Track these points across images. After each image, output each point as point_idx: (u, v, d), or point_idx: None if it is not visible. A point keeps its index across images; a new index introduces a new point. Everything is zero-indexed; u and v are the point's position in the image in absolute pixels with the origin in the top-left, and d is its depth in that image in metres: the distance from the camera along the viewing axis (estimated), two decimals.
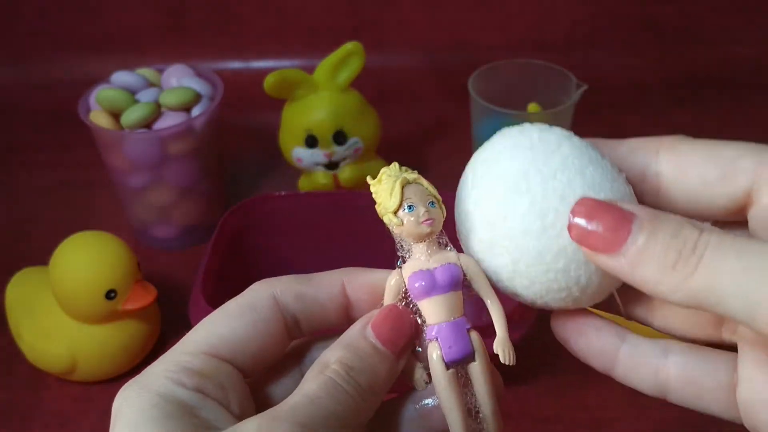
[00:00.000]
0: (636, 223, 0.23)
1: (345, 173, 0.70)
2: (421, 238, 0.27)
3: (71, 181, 0.80)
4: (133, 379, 0.25)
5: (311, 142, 0.68)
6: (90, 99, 0.66)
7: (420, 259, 0.27)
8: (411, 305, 0.27)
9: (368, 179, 0.28)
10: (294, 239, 0.63)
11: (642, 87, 0.91)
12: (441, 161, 0.79)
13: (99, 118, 0.63)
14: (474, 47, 0.94)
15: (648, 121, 0.85)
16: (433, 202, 0.27)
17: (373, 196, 0.27)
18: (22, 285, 0.59)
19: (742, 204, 0.25)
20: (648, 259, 0.22)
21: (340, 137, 0.68)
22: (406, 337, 0.27)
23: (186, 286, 0.63)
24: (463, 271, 0.27)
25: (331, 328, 0.28)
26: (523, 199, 0.25)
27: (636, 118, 0.85)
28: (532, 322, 0.51)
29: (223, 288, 0.56)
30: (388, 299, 0.27)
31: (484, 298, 0.27)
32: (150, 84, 0.68)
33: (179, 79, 0.68)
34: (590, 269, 0.25)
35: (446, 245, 0.27)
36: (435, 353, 0.26)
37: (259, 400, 0.28)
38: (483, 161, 0.27)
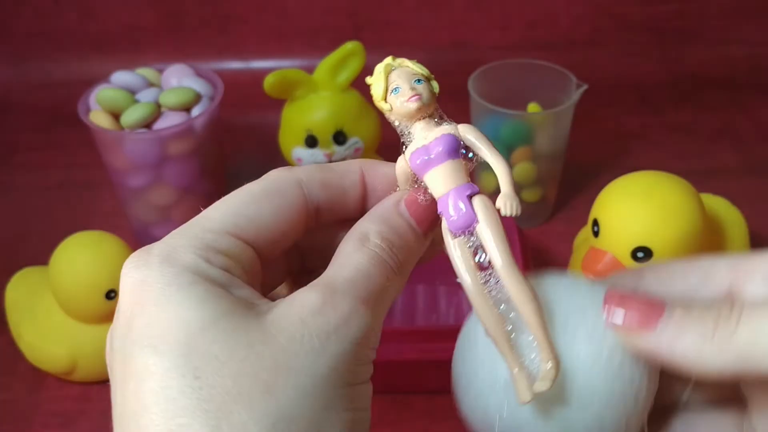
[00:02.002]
0: (668, 302, 0.23)
1: None
2: (413, 117, 0.27)
3: (71, 181, 0.80)
4: (146, 248, 0.23)
5: (311, 142, 0.68)
6: (90, 99, 0.66)
7: (419, 139, 0.27)
8: (424, 188, 0.27)
9: (366, 79, 0.28)
10: None
11: (642, 87, 0.91)
12: None
13: (99, 118, 0.63)
14: (474, 47, 0.94)
15: (648, 121, 0.85)
16: (419, 80, 0.27)
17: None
18: (22, 285, 0.59)
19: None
20: (686, 329, 0.22)
21: (340, 137, 0.68)
22: (432, 217, 0.27)
23: None
24: (460, 138, 0.26)
25: (347, 218, 0.28)
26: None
27: (636, 118, 0.85)
28: None
29: None
30: (401, 185, 0.28)
31: (487, 159, 0.26)
32: (150, 84, 0.68)
33: (179, 79, 0.68)
34: None
35: (443, 120, 0.27)
36: (443, 226, 0.26)
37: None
38: None
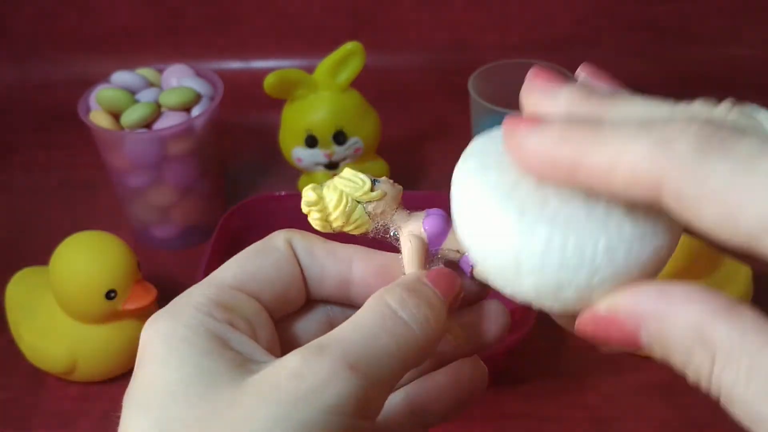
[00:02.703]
0: (643, 338, 0.21)
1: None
2: (398, 200, 0.27)
3: (71, 181, 0.80)
4: (161, 310, 0.24)
5: (311, 142, 0.68)
6: (90, 99, 0.66)
7: (410, 221, 0.27)
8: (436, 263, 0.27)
9: (306, 206, 0.27)
10: None
11: (642, 87, 0.91)
12: (441, 161, 0.79)
13: (99, 118, 0.63)
14: (474, 47, 0.94)
15: None
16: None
17: (332, 204, 0.26)
18: (22, 285, 0.59)
19: None
20: (672, 366, 0.21)
21: (340, 137, 0.68)
22: (456, 288, 0.26)
23: (186, 286, 0.63)
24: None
25: (328, 300, 0.28)
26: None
27: None
28: (532, 323, 0.51)
29: None
30: (414, 264, 0.26)
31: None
32: (150, 84, 0.68)
33: (179, 79, 0.68)
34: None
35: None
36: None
37: (284, 344, 0.27)
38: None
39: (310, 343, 0.22)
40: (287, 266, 0.26)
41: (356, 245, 0.28)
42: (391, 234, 0.27)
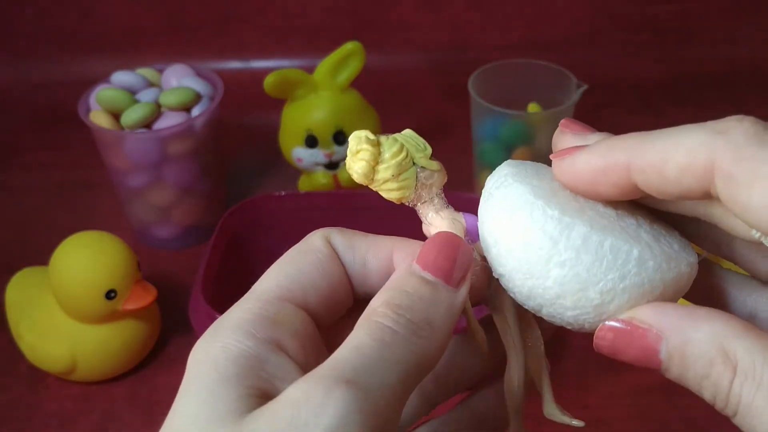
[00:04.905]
0: (662, 352, 0.21)
1: (345, 173, 0.70)
2: (442, 186, 0.27)
3: (71, 181, 0.80)
4: (209, 328, 0.24)
5: (311, 142, 0.68)
6: (90, 99, 0.66)
7: (448, 209, 0.26)
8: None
9: (361, 142, 0.25)
10: (294, 239, 0.62)
11: (642, 87, 0.91)
12: (441, 161, 0.79)
13: (99, 118, 0.63)
14: (474, 47, 0.94)
15: (648, 121, 0.85)
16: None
17: (391, 152, 0.25)
18: (22, 285, 0.59)
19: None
20: (688, 386, 0.22)
21: (340, 137, 0.68)
22: (457, 262, 0.24)
23: (186, 286, 0.63)
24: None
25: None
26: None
27: (636, 118, 0.85)
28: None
29: (223, 288, 0.56)
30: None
31: None
32: (150, 84, 0.68)
33: (179, 79, 0.68)
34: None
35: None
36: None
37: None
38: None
39: (311, 371, 0.21)
40: (331, 266, 0.25)
41: (395, 237, 0.26)
42: (421, 212, 0.26)
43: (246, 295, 0.24)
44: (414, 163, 0.26)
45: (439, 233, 0.25)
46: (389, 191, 0.26)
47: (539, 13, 0.94)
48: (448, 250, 0.24)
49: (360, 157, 0.25)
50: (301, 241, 0.26)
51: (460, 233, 0.25)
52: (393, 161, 0.25)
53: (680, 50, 0.95)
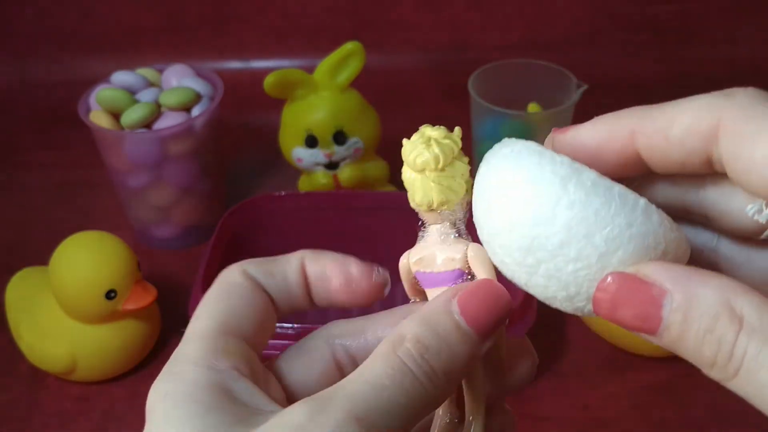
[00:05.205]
0: (666, 307, 0.20)
1: (345, 173, 0.70)
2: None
3: (71, 181, 0.80)
4: (161, 372, 0.24)
5: (311, 142, 0.68)
6: (90, 99, 0.66)
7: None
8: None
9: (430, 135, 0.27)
10: (294, 239, 0.62)
11: (642, 87, 0.91)
12: None
13: (99, 118, 0.63)
14: (474, 47, 0.94)
15: None
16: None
17: (466, 163, 0.26)
18: (22, 285, 0.59)
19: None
20: (684, 349, 0.21)
21: (340, 137, 0.68)
22: (495, 317, 0.24)
23: (186, 286, 0.63)
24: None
25: (303, 310, 0.28)
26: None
27: None
28: (533, 323, 0.51)
29: None
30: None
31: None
32: (150, 84, 0.68)
33: (179, 79, 0.68)
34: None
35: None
36: None
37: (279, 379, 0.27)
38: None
39: (316, 395, 0.22)
40: (256, 296, 0.26)
41: (302, 250, 0.28)
42: (441, 230, 0.26)
43: (185, 338, 0.25)
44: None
45: (489, 282, 0.24)
46: (440, 185, 0.26)
47: (539, 13, 0.94)
48: (492, 304, 0.24)
49: (447, 143, 0.26)
50: (218, 279, 0.27)
51: (493, 274, 0.25)
52: (466, 166, 0.26)
53: (680, 50, 0.95)
